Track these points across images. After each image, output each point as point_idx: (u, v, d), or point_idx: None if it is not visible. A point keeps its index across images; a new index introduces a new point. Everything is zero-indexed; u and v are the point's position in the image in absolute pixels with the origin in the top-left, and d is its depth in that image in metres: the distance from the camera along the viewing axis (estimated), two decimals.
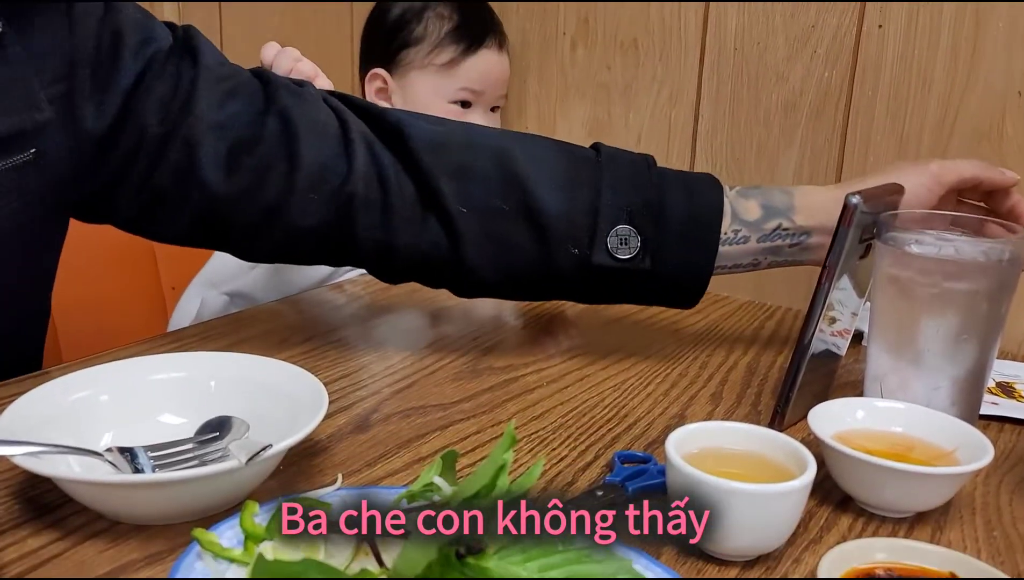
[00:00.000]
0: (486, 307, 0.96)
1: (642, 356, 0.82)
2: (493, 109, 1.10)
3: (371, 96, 1.09)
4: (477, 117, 1.06)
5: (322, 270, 1.02)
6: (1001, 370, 0.78)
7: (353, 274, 1.03)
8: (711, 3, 0.98)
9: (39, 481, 0.52)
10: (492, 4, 1.14)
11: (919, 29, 0.87)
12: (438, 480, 0.43)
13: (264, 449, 0.48)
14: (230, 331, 0.83)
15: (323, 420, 0.63)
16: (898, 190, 0.66)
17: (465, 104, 1.07)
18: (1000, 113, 0.85)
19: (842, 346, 0.71)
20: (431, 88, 1.05)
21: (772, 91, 0.97)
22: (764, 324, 0.93)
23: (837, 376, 0.73)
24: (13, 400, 0.53)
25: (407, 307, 0.95)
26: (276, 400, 0.57)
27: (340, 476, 0.53)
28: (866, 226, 0.63)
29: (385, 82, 1.07)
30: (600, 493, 0.53)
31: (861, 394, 0.67)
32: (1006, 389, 0.76)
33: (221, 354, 0.62)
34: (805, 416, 0.68)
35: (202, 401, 0.59)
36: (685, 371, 0.78)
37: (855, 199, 0.60)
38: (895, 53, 0.89)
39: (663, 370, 0.79)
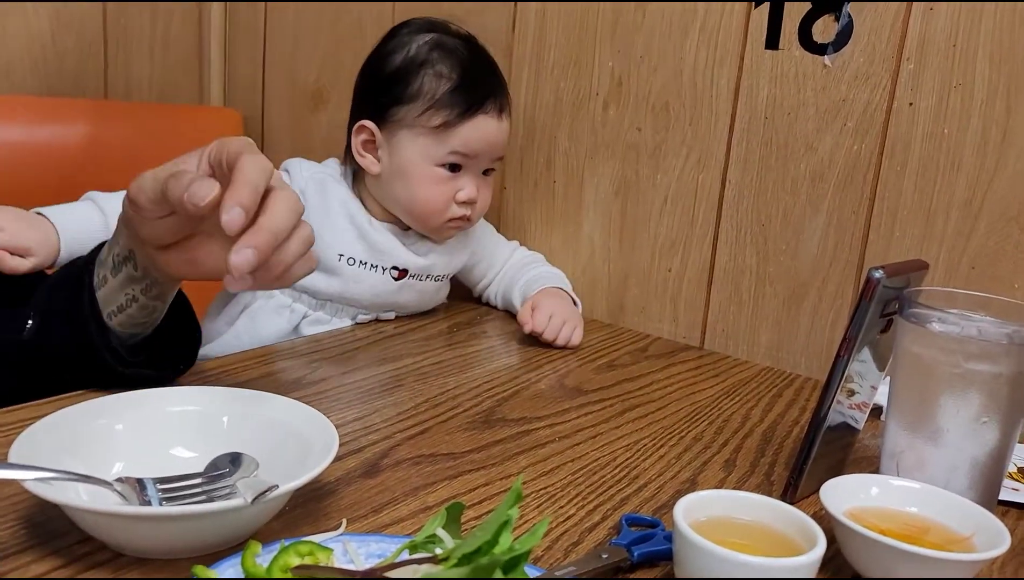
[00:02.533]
0: (503, 357, 0.97)
1: (658, 416, 0.81)
2: (486, 172, 1.04)
3: (357, 148, 1.01)
4: (466, 181, 1.01)
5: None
6: (1022, 455, 0.76)
7: (318, 329, 1.02)
8: (743, 72, 0.99)
9: (48, 507, 0.52)
10: (524, 65, 1.16)
11: (950, 110, 0.87)
12: (441, 533, 0.42)
13: (270, 489, 0.48)
14: (250, 367, 0.84)
15: (332, 462, 0.63)
16: (923, 266, 0.66)
17: (454, 168, 1.00)
18: None
19: (860, 419, 0.71)
20: (420, 150, 0.98)
21: (800, 161, 0.97)
22: (782, 392, 0.92)
23: (854, 450, 0.72)
24: (30, 424, 0.54)
25: (424, 352, 0.95)
26: (287, 440, 0.58)
27: (344, 522, 0.53)
28: (888, 301, 0.63)
29: (373, 135, 1.00)
30: (605, 556, 0.53)
31: (877, 470, 0.66)
32: None
33: (236, 390, 0.62)
34: (818, 489, 0.67)
35: (215, 436, 0.59)
36: (700, 435, 0.78)
37: (878, 273, 0.59)
38: (925, 131, 0.89)
39: (677, 432, 0.78)
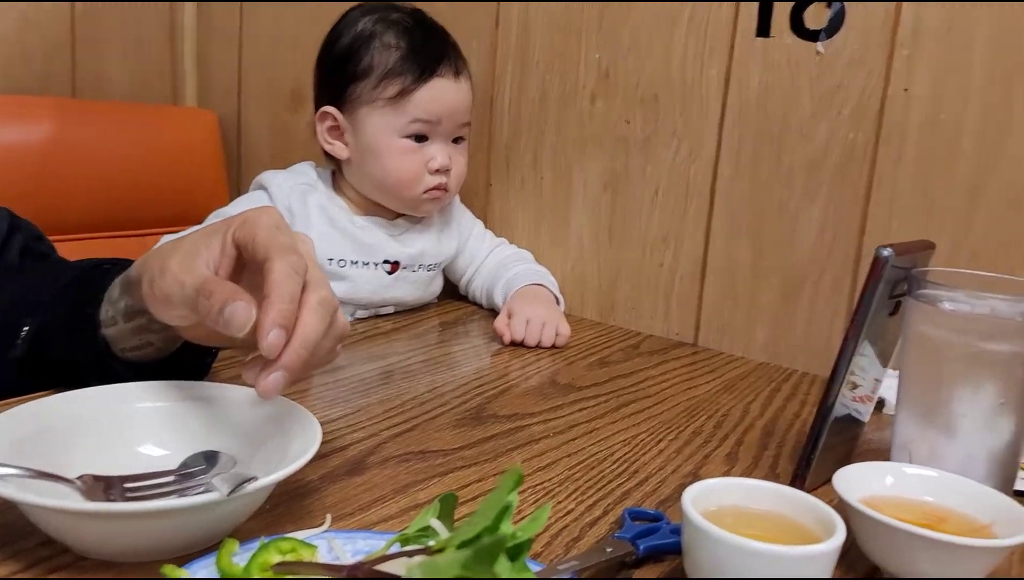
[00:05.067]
0: (492, 355, 0.93)
1: (655, 411, 0.78)
2: (456, 141, 1.02)
3: (323, 136, 1.01)
4: (435, 149, 0.99)
5: None
6: None
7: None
8: (734, 61, 0.97)
9: (6, 507, 0.48)
10: (508, 62, 1.14)
11: (946, 95, 0.85)
12: (435, 523, 0.39)
13: (247, 481, 0.44)
14: (232, 364, 0.80)
15: (316, 460, 0.59)
16: (930, 246, 0.64)
17: (420, 138, 0.98)
18: None
19: (864, 412, 0.68)
20: (382, 124, 0.97)
21: (795, 150, 0.95)
22: (780, 386, 0.90)
23: (859, 443, 0.70)
24: None
25: (411, 350, 0.92)
26: (267, 435, 0.54)
27: (329, 517, 0.50)
28: (895, 282, 0.60)
29: (336, 120, 1.00)
30: (609, 550, 0.49)
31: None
32: None
33: (211, 384, 0.58)
34: (826, 481, 0.64)
35: (188, 433, 0.55)
36: (699, 429, 0.75)
37: (887, 251, 0.57)
38: (921, 117, 0.87)
39: (676, 427, 0.75)
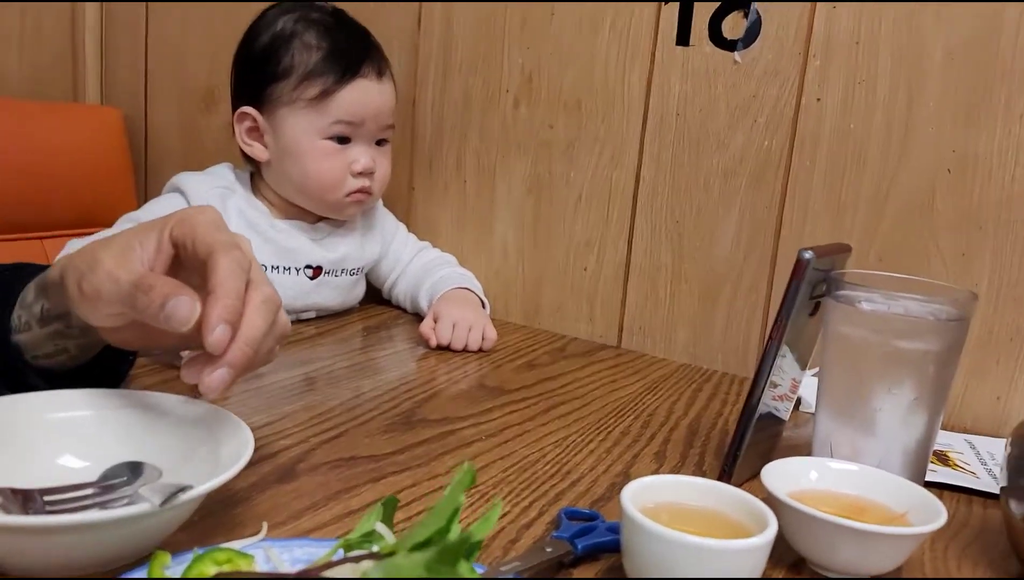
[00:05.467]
0: (418, 359, 0.93)
1: (583, 413, 0.79)
2: (380, 143, 1.00)
3: (242, 137, 0.98)
4: (359, 151, 0.97)
5: None
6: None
7: None
8: (655, 69, 0.99)
9: None
10: (430, 63, 1.14)
11: (855, 105, 0.90)
12: (380, 528, 0.38)
13: (181, 491, 0.43)
14: (152, 371, 0.77)
15: (244, 469, 0.58)
16: (846, 248, 0.66)
17: (343, 140, 0.96)
18: (931, 189, 0.87)
19: (783, 410, 0.70)
20: (303, 125, 0.94)
21: (713, 157, 0.97)
22: (702, 386, 0.92)
23: (781, 440, 0.72)
24: None
25: (335, 355, 0.91)
26: (195, 443, 0.52)
27: (265, 525, 0.48)
28: (815, 283, 0.63)
29: (255, 121, 0.97)
30: (549, 550, 0.50)
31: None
32: (941, 457, 0.76)
33: (132, 392, 0.56)
34: (751, 477, 0.66)
35: (109, 444, 0.53)
36: (627, 429, 0.76)
37: (808, 254, 0.59)
38: (832, 126, 0.91)
39: (605, 427, 0.76)
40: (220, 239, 0.49)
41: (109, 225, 1.30)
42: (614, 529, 0.53)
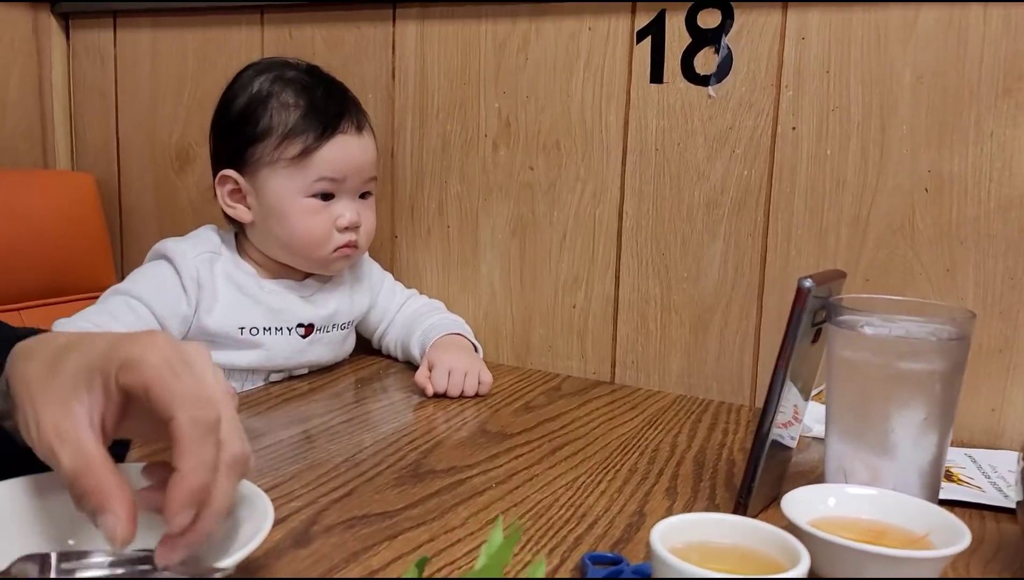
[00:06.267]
0: (415, 409, 0.92)
1: (588, 452, 0.79)
2: (363, 196, 1.00)
3: (224, 200, 0.97)
4: (343, 206, 0.96)
5: None
6: None
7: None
8: (631, 106, 1.01)
9: None
10: (407, 112, 1.15)
11: (829, 132, 0.92)
12: None
13: (215, 569, 0.42)
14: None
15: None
16: (841, 275, 0.67)
17: (327, 196, 0.96)
18: (910, 209, 0.89)
19: (787, 438, 0.71)
20: (285, 184, 0.94)
21: (694, 188, 0.99)
22: (701, 417, 0.92)
23: (789, 466, 0.72)
24: None
25: (330, 411, 0.89)
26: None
27: None
28: (815, 310, 0.63)
29: (237, 183, 0.96)
30: None
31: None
32: (946, 474, 0.77)
33: (132, 466, 0.54)
34: (766, 506, 0.66)
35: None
36: (635, 466, 0.76)
37: (808, 282, 0.60)
38: (809, 153, 0.93)
39: (612, 465, 0.76)
40: (178, 392, 0.43)
41: (87, 291, 1.29)
42: (641, 571, 0.53)
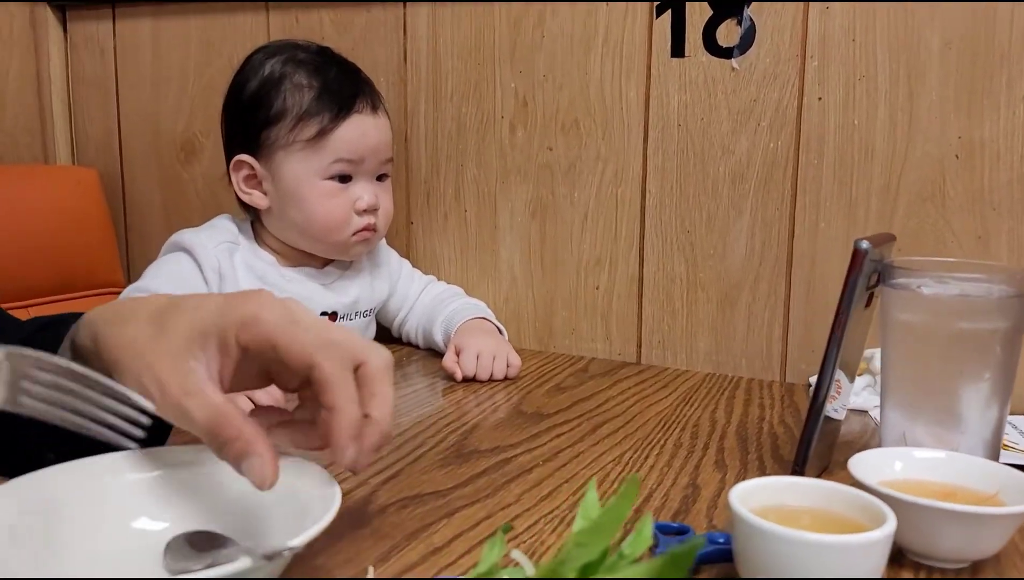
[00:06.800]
0: (446, 393, 0.90)
1: (629, 430, 0.78)
2: (380, 178, 0.98)
3: (239, 186, 0.96)
4: (361, 189, 0.95)
5: None
6: None
7: None
8: (652, 82, 1.00)
9: None
10: (420, 95, 1.13)
11: (856, 101, 0.91)
12: (518, 555, 0.36)
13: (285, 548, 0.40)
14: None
15: None
16: (891, 238, 0.67)
17: (344, 178, 0.94)
18: (940, 176, 0.88)
19: (835, 410, 0.70)
20: (302, 167, 0.92)
21: (719, 163, 0.98)
22: (734, 393, 0.91)
23: (839, 436, 0.71)
24: None
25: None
26: (274, 496, 0.49)
27: (371, 568, 0.45)
28: (868, 274, 0.62)
29: (252, 168, 0.95)
30: None
31: None
32: None
33: (202, 447, 0.53)
34: (818, 475, 0.65)
35: (184, 503, 0.50)
36: (678, 441, 0.75)
37: (865, 244, 0.59)
38: (836, 123, 0.92)
39: (656, 440, 0.74)
40: (309, 344, 0.46)
41: (95, 288, 1.27)
42: (712, 539, 0.52)
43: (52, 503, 0.46)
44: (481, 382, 0.93)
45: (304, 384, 0.49)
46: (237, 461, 0.45)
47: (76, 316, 0.53)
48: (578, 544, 0.32)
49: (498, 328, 1.04)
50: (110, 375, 0.48)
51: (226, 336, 0.47)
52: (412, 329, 1.09)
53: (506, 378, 0.94)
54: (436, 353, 1.04)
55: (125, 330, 0.48)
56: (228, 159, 0.98)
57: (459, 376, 0.92)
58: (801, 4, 0.92)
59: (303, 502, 0.47)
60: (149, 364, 0.46)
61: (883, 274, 0.62)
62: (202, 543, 0.47)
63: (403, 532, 0.55)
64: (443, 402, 0.87)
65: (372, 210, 0.97)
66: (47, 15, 1.35)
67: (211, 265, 0.92)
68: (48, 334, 0.54)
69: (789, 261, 0.96)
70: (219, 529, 0.48)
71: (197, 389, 0.45)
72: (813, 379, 0.90)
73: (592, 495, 0.37)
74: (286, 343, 0.46)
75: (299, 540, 0.41)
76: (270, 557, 0.39)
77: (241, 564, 0.39)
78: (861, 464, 0.54)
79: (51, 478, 0.47)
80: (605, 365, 1.03)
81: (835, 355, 0.61)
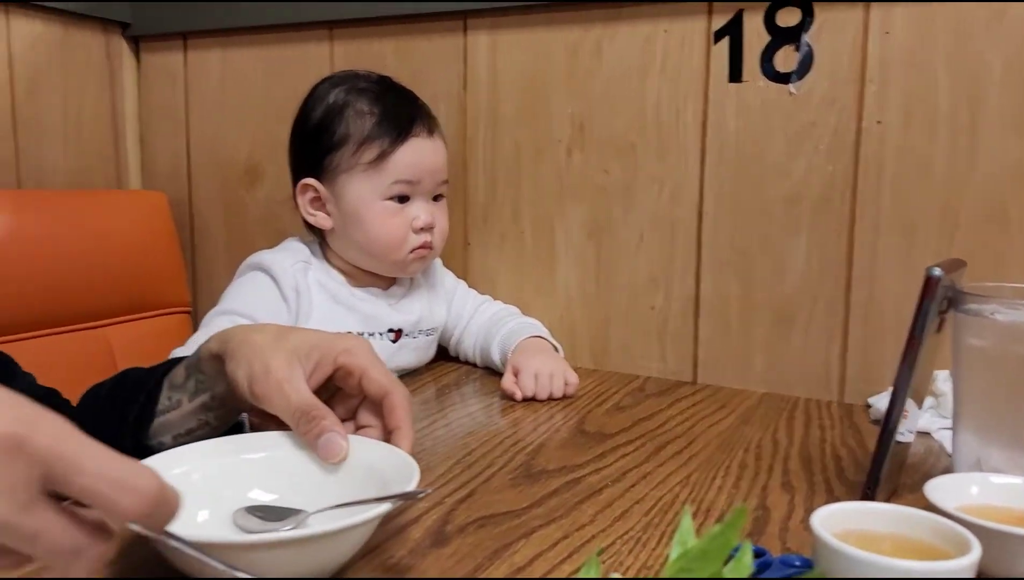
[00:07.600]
0: (506, 412, 0.92)
1: (693, 450, 0.79)
2: (436, 198, 1.02)
3: (306, 208, 1.00)
4: (418, 208, 0.99)
5: None
6: None
7: None
8: (709, 106, 1.01)
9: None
10: (479, 121, 1.15)
11: (916, 123, 0.91)
12: None
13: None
14: None
15: (398, 535, 0.58)
16: (962, 263, 0.67)
17: (402, 198, 0.98)
18: (1002, 198, 0.88)
19: (903, 433, 0.70)
20: (363, 189, 0.97)
21: (775, 186, 0.99)
22: (792, 414, 0.92)
23: (906, 460, 0.72)
24: None
25: (426, 417, 0.90)
26: (363, 475, 0.56)
27: None
28: (940, 300, 0.63)
29: (317, 191, 0.99)
30: None
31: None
32: None
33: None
34: (887, 500, 0.66)
35: (294, 479, 0.58)
36: (744, 463, 0.76)
37: (938, 271, 0.60)
38: (896, 146, 0.93)
39: (720, 463, 0.75)
40: (389, 377, 0.61)
41: (163, 307, 1.31)
42: (788, 563, 0.53)
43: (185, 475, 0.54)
44: (540, 401, 0.95)
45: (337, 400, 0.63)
46: (318, 437, 0.56)
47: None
48: (683, 570, 0.34)
49: (554, 346, 1.05)
50: (222, 365, 0.60)
51: (328, 356, 0.60)
52: (469, 347, 1.11)
53: (564, 396, 0.96)
54: (493, 372, 1.07)
55: (254, 335, 0.61)
56: (294, 183, 1.02)
57: (519, 396, 0.94)
58: (860, 31, 0.93)
59: (386, 479, 0.54)
60: (265, 357, 0.59)
61: (954, 300, 0.63)
62: (268, 515, 0.54)
63: (484, 552, 0.57)
64: (505, 421, 0.89)
65: (429, 228, 1.00)
66: (122, 47, 1.40)
67: (289, 283, 0.96)
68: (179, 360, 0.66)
69: (848, 283, 0.97)
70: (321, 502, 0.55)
71: (296, 380, 0.58)
72: (873, 399, 0.91)
73: (687, 521, 0.38)
74: (373, 374, 0.61)
75: (407, 489, 0.50)
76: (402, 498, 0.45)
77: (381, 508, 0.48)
78: (937, 489, 0.55)
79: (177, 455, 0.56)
80: (661, 384, 1.04)
81: (908, 380, 0.62)
